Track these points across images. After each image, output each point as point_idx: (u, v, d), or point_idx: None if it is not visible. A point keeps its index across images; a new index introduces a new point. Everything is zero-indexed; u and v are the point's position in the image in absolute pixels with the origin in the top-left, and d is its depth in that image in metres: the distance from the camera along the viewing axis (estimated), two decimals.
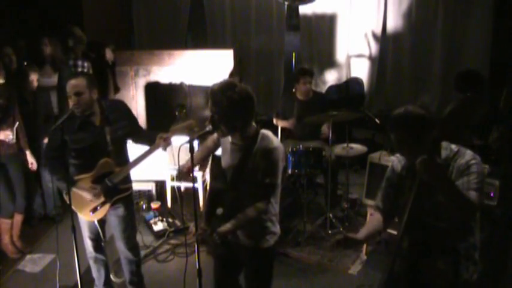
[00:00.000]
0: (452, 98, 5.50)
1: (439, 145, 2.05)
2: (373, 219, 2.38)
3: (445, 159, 2.07)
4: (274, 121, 5.00)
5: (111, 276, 3.51)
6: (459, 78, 4.13)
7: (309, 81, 4.74)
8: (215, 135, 2.68)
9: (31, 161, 4.14)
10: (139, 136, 3.16)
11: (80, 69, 4.90)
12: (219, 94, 2.28)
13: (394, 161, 2.32)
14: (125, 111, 3.14)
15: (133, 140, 3.18)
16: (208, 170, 4.96)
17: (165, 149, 2.98)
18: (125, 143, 3.14)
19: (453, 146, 2.10)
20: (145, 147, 3.03)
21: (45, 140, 4.19)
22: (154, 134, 3.02)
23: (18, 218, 4.16)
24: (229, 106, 2.27)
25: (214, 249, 2.28)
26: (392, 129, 2.07)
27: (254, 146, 2.36)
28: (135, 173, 3.17)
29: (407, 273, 2.17)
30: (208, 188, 2.64)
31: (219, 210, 2.42)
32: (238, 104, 2.28)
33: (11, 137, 3.85)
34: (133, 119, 3.19)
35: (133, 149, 3.17)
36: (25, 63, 4.40)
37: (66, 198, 2.98)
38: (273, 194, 2.42)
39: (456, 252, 2.10)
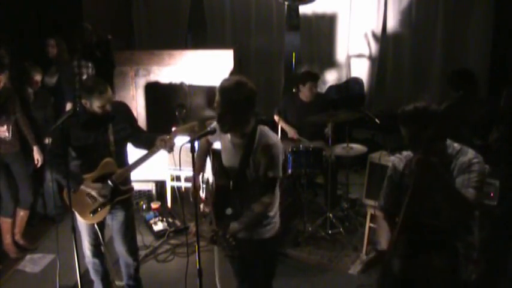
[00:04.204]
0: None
1: (433, 143, 2.04)
2: (384, 225, 2.34)
3: (447, 156, 2.08)
4: (276, 118, 4.99)
5: (114, 281, 3.48)
6: (453, 76, 4.20)
7: (315, 86, 4.75)
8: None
9: (37, 157, 4.11)
10: (140, 139, 3.11)
11: (82, 70, 4.89)
12: (231, 92, 2.28)
13: (395, 160, 2.32)
14: (127, 112, 3.14)
15: (133, 144, 3.15)
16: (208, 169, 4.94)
17: (169, 151, 2.91)
18: (126, 145, 3.13)
19: (456, 144, 2.11)
20: (145, 151, 3.00)
21: (46, 140, 4.19)
22: (154, 137, 2.99)
23: (23, 214, 4.15)
24: (239, 104, 2.28)
25: (230, 251, 2.26)
26: (406, 124, 2.06)
27: (254, 143, 2.39)
28: (135, 173, 3.17)
29: (404, 273, 2.17)
30: (213, 186, 2.60)
31: (229, 211, 2.41)
32: (248, 102, 2.31)
33: (6, 134, 3.84)
34: (134, 122, 3.19)
35: (133, 152, 3.18)
36: (26, 63, 4.40)
37: (66, 199, 2.96)
38: (276, 187, 2.46)
39: (454, 251, 2.10)
